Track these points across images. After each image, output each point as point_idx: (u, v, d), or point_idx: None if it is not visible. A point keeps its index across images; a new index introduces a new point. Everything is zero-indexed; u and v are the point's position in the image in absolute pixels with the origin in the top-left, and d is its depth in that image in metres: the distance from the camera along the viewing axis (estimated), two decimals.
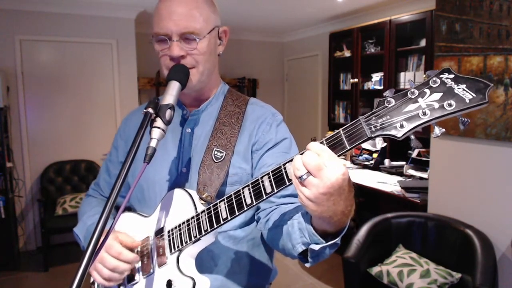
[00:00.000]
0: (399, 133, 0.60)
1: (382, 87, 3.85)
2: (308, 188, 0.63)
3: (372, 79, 4.02)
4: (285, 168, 0.69)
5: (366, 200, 3.16)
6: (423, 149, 3.42)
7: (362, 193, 3.17)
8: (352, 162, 4.18)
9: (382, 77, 3.82)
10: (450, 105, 0.57)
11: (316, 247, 0.73)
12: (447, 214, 2.45)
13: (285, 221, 0.84)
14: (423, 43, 3.47)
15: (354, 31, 4.14)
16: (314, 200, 0.64)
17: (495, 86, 2.14)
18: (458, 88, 0.58)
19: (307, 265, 0.79)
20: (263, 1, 3.89)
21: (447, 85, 0.59)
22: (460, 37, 2.31)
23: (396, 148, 3.77)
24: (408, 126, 0.59)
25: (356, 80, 4.16)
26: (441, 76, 0.60)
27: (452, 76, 0.59)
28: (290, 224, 0.81)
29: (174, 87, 0.84)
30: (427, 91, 0.60)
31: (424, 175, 3.22)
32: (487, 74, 2.18)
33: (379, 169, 3.77)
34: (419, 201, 2.76)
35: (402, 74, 3.67)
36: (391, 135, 0.60)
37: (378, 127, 0.61)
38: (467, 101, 0.57)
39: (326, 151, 0.63)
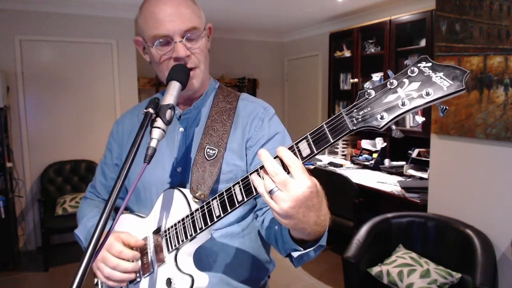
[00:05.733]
0: (380, 124, 0.60)
1: None
2: (276, 203, 0.65)
3: (372, 79, 4.00)
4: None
5: (366, 200, 3.16)
6: (423, 149, 3.42)
7: (362, 193, 3.17)
8: (352, 162, 4.18)
9: (382, 77, 3.82)
10: (428, 93, 0.58)
11: (295, 254, 0.79)
12: (447, 214, 2.45)
13: (275, 223, 0.87)
14: (423, 43, 3.47)
15: (354, 31, 4.14)
16: (284, 214, 0.66)
17: (495, 86, 2.14)
18: (436, 76, 0.58)
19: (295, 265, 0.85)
20: (263, 1, 3.90)
21: (425, 74, 0.59)
22: (460, 37, 2.31)
23: (396, 148, 3.77)
24: (388, 117, 0.60)
25: (356, 80, 4.16)
26: (418, 65, 0.60)
27: (429, 64, 0.59)
28: (277, 229, 0.86)
29: (174, 87, 0.84)
30: (406, 80, 0.60)
31: (424, 175, 3.22)
32: (487, 74, 2.18)
33: (379, 169, 3.77)
34: (419, 201, 2.76)
35: None
36: (372, 126, 0.61)
37: (360, 119, 0.62)
38: (445, 89, 0.57)
39: (295, 164, 0.64)
